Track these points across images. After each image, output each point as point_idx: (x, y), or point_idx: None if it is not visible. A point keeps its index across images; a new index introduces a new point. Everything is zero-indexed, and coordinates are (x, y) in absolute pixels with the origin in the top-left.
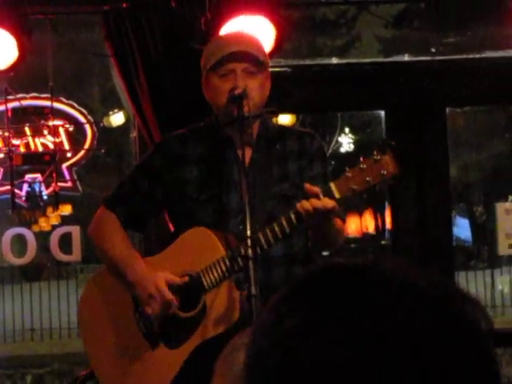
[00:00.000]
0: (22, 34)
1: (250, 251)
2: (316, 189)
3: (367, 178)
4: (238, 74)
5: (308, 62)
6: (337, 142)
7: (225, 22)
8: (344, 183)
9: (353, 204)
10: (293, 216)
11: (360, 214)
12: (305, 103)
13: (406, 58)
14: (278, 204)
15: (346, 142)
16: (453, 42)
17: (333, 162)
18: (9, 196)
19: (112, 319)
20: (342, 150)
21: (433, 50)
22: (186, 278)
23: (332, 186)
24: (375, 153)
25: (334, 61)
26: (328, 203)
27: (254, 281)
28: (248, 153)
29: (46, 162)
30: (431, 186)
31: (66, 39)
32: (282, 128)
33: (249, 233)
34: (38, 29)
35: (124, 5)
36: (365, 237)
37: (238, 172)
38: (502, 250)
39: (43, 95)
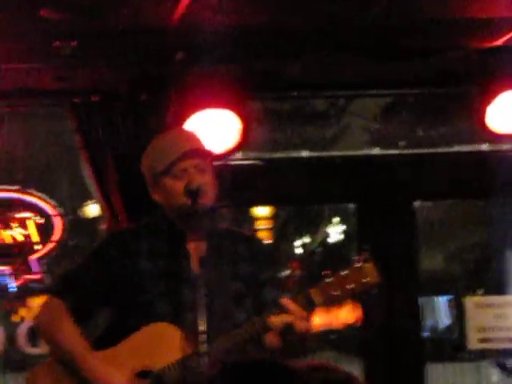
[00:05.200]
0: None
1: (203, 347)
2: (292, 305)
3: (348, 286)
4: (192, 172)
5: (279, 154)
6: (325, 232)
7: (190, 114)
8: (324, 290)
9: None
10: (257, 325)
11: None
12: (277, 196)
13: (377, 151)
14: (231, 302)
15: (334, 233)
16: (423, 136)
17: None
18: None
19: None
20: (330, 240)
21: (401, 143)
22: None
23: (311, 292)
24: (357, 260)
25: (304, 154)
26: (301, 324)
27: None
28: (202, 248)
29: (15, 254)
30: (399, 277)
31: (36, 130)
32: (231, 229)
33: (202, 328)
34: (7, 120)
35: (94, 97)
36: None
37: (190, 266)
38: (472, 344)
39: (13, 187)
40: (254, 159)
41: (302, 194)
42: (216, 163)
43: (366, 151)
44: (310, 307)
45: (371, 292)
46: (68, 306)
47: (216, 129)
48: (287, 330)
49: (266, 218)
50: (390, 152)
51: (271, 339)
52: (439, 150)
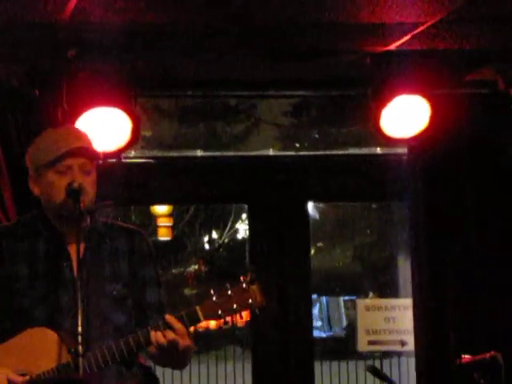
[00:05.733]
0: None
1: (80, 348)
2: (177, 323)
3: (234, 306)
4: (75, 170)
5: (173, 153)
6: (233, 227)
7: (82, 112)
8: (210, 308)
9: None
10: (142, 339)
11: None
12: (169, 195)
13: (271, 152)
14: (111, 303)
15: (242, 229)
16: (317, 138)
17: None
18: None
19: None
20: (239, 236)
21: (297, 145)
22: (27, 378)
23: (198, 309)
24: (243, 281)
25: (199, 153)
26: (184, 343)
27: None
28: (80, 249)
29: None
30: (293, 276)
31: None
32: (111, 224)
33: (80, 330)
34: None
35: None
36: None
37: (69, 269)
38: (362, 346)
39: None
40: (147, 158)
41: (193, 193)
42: (110, 161)
43: (261, 152)
44: (194, 324)
45: (255, 313)
46: None
47: (108, 127)
48: (170, 347)
49: (169, 215)
50: (285, 153)
51: (152, 350)
52: (334, 152)
